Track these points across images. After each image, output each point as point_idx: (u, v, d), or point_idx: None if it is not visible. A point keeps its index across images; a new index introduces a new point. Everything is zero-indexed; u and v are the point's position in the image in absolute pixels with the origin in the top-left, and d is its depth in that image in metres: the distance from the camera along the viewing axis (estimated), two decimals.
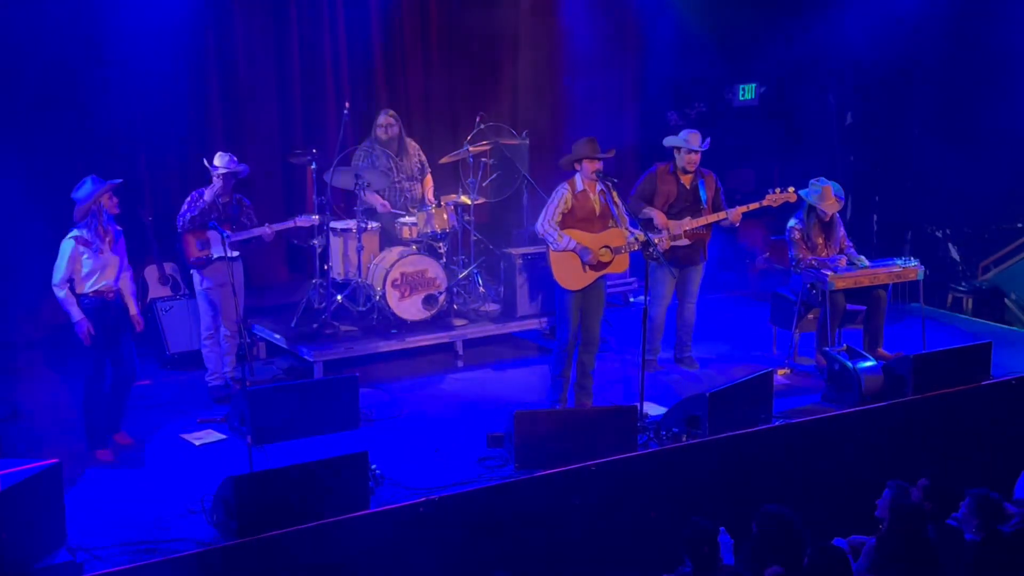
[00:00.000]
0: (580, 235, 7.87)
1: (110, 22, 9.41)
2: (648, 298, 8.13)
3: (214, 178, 8.24)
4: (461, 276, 9.51)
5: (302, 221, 8.73)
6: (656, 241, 7.96)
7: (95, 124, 9.48)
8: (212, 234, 8.12)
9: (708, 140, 8.72)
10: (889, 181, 11.96)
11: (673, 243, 8.46)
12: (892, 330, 9.18)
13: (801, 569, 5.55)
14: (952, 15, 11.24)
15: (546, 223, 7.89)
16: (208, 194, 8.25)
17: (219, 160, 8.27)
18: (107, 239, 7.20)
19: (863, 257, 8.93)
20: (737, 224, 8.86)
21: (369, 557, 6.20)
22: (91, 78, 9.43)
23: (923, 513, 5.87)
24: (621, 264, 7.99)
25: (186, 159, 9.70)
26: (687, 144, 8.64)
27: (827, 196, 8.83)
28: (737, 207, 8.71)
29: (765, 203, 8.77)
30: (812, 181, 8.92)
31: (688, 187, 8.72)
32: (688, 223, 8.62)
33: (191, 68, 9.96)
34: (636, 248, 7.92)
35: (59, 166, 9.26)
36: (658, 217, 8.62)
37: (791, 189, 8.78)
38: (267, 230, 8.38)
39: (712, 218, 8.69)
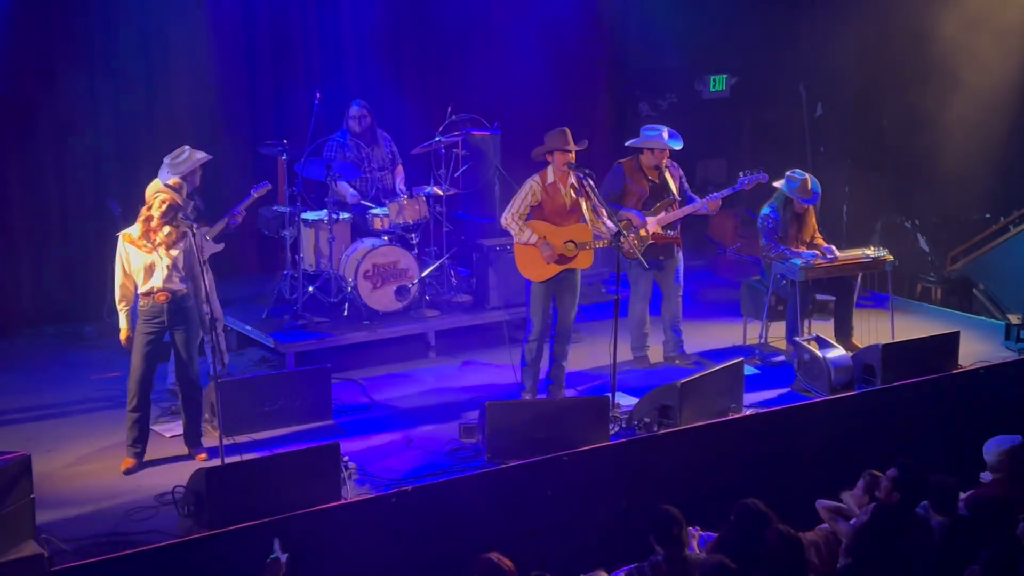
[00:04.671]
0: (545, 228, 7.80)
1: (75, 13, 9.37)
2: (627, 295, 8.12)
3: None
4: (433, 267, 9.50)
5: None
6: (627, 239, 7.90)
7: (68, 114, 9.44)
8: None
9: (679, 138, 8.65)
10: (859, 172, 12.03)
11: (642, 242, 8.31)
12: (862, 320, 9.24)
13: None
14: (920, 8, 11.29)
15: (510, 216, 7.82)
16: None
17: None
18: (158, 238, 6.78)
19: (833, 247, 8.99)
20: (714, 212, 8.83)
21: (341, 548, 6.19)
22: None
23: (895, 513, 5.91)
24: (585, 260, 7.89)
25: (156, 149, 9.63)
26: (663, 144, 8.48)
27: (806, 188, 8.86)
28: (716, 196, 8.67)
29: (740, 188, 8.75)
30: (789, 173, 8.94)
31: (658, 182, 8.66)
32: (665, 217, 8.57)
33: (159, 57, 9.89)
34: (604, 245, 7.89)
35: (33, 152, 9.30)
36: (635, 220, 8.41)
37: (762, 171, 8.78)
38: None
39: (688, 210, 8.64)
